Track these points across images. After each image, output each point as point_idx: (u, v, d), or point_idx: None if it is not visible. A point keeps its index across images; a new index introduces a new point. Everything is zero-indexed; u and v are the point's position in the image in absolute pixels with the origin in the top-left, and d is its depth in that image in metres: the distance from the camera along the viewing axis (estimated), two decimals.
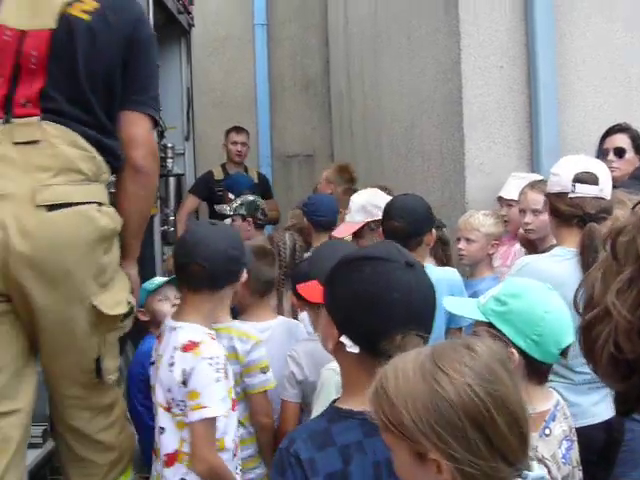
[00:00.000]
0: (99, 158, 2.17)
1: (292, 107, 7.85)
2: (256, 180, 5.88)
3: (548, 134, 3.88)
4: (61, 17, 2.14)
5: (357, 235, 3.28)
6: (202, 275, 2.14)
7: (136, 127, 2.27)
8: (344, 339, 1.41)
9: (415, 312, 1.39)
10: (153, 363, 2.28)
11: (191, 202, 5.49)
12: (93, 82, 2.18)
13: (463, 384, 1.04)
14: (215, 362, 2.09)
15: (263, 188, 5.81)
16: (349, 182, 5.08)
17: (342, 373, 1.50)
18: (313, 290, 1.95)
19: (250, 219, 4.34)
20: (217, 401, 2.06)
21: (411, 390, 1.06)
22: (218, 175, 5.69)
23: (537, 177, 3.39)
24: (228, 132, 5.94)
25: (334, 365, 2.11)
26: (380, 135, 5.68)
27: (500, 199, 3.64)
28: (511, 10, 3.92)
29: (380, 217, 2.96)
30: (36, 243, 1.99)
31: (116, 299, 2.19)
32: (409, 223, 2.77)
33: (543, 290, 1.78)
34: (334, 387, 1.96)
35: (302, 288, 2.14)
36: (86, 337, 2.14)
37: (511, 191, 3.48)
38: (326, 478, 1.36)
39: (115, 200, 2.30)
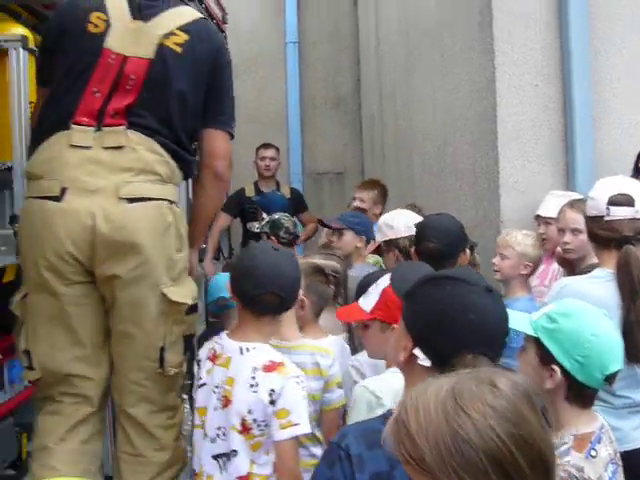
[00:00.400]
0: (173, 163, 2.52)
1: (323, 125, 7.89)
2: (289, 195, 5.94)
3: (583, 152, 3.84)
4: (158, 48, 2.51)
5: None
6: (274, 303, 2.20)
7: (219, 142, 2.70)
8: (417, 352, 1.47)
9: (488, 335, 1.46)
10: (201, 386, 2.26)
11: (223, 219, 5.51)
12: (180, 104, 2.55)
13: (485, 426, 1.02)
14: (300, 380, 2.16)
15: (297, 202, 5.87)
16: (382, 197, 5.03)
17: (407, 384, 1.55)
18: (353, 312, 2.14)
19: (273, 237, 4.45)
20: (305, 419, 2.13)
21: (433, 429, 1.04)
22: (250, 192, 5.74)
23: (576, 196, 3.35)
24: (257, 149, 6.01)
25: (367, 382, 2.15)
26: (412, 154, 5.67)
27: (538, 217, 3.61)
28: (546, 28, 3.90)
29: (389, 237, 3.12)
30: (117, 226, 2.37)
31: (183, 293, 2.51)
32: (444, 244, 2.80)
33: (595, 313, 1.79)
34: (365, 405, 2.00)
35: (342, 311, 2.25)
36: (154, 323, 2.45)
37: (550, 209, 3.45)
38: (372, 477, 1.43)
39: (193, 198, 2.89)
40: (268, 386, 2.12)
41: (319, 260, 2.80)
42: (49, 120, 2.45)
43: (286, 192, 5.90)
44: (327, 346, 2.55)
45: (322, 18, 7.98)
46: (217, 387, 2.18)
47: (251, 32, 7.89)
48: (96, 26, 2.47)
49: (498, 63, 3.89)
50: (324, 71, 7.93)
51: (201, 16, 2.76)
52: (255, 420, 2.12)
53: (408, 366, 1.52)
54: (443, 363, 1.39)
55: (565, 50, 3.85)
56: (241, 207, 5.59)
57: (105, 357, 2.51)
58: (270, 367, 2.15)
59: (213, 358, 2.24)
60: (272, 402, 2.11)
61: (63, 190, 2.35)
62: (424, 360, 1.45)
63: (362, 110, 7.89)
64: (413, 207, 4.85)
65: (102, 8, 2.50)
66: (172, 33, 2.52)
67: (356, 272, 3.20)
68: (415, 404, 1.09)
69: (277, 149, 6.10)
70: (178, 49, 2.53)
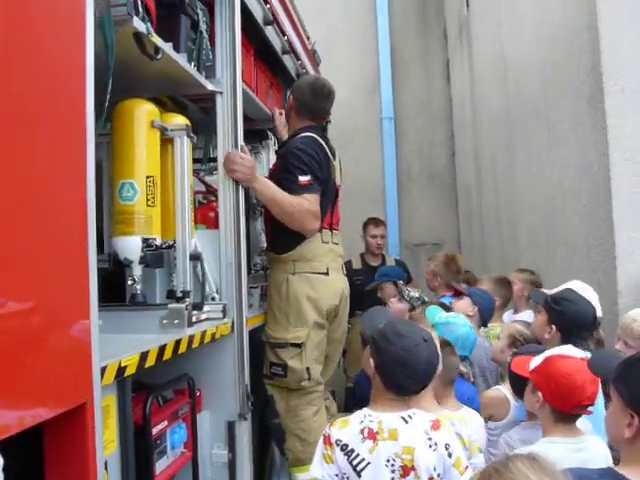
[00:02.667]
0: None
1: (419, 197, 8.08)
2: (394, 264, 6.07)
3: None
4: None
5: None
6: (417, 389, 2.40)
7: None
8: None
9: None
10: (364, 468, 2.31)
11: None
12: None
13: None
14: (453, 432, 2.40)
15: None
16: (456, 273, 5.04)
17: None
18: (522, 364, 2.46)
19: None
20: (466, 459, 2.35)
21: None
22: (356, 265, 5.90)
23: None
24: (366, 225, 6.14)
25: (519, 452, 2.27)
26: (516, 225, 5.75)
27: None
28: None
29: None
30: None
31: None
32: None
33: None
34: None
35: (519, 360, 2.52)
36: None
37: None
38: None
39: None
40: (443, 441, 2.30)
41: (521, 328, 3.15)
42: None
43: (391, 263, 6.04)
44: (464, 416, 2.71)
45: (416, 94, 8.27)
46: (389, 460, 2.28)
47: (347, 106, 8.23)
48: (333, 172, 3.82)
49: (611, 137, 3.99)
50: (419, 144, 8.18)
51: None
52: (439, 475, 2.27)
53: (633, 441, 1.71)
54: None
55: None
56: (349, 280, 5.74)
57: None
58: (436, 425, 2.33)
59: (372, 436, 2.32)
60: (449, 455, 2.29)
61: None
62: None
63: (457, 182, 8.05)
64: (531, 273, 4.90)
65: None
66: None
67: None
68: None
69: (385, 225, 6.27)
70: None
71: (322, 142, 3.75)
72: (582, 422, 2.49)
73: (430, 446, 2.27)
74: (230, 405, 3.00)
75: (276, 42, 4.10)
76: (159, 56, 2.44)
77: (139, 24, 2.29)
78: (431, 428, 2.31)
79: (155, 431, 2.38)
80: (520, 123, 5.64)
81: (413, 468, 2.24)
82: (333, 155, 3.85)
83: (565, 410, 2.38)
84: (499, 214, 6.31)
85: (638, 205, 3.95)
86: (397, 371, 2.33)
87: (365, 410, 2.40)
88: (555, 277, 4.85)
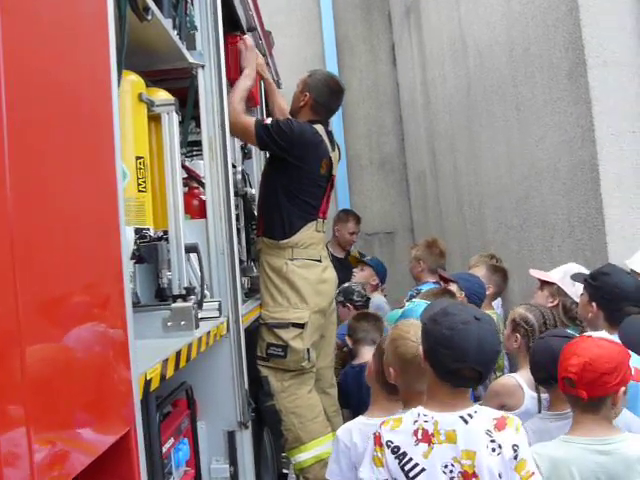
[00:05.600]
0: None
1: (370, 185, 7.90)
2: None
3: None
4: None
5: None
6: (471, 376, 2.10)
7: None
8: None
9: None
10: (419, 474, 2.08)
11: None
12: None
13: None
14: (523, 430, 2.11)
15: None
16: (439, 257, 4.99)
17: None
18: None
19: (349, 304, 4.71)
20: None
21: None
22: None
23: None
24: (346, 220, 6.03)
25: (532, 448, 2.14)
26: (481, 208, 5.62)
27: (632, 272, 3.50)
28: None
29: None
30: None
31: None
32: None
33: None
34: None
35: None
36: None
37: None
38: None
39: None
40: (510, 442, 2.04)
41: (524, 311, 2.84)
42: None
43: (357, 256, 5.90)
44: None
45: (362, 79, 8.07)
46: (446, 466, 2.03)
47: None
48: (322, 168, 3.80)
49: (596, 112, 3.87)
50: (367, 130, 7.99)
51: None
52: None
53: None
54: None
55: None
56: None
57: None
58: (501, 423, 2.06)
59: (427, 439, 2.06)
60: (515, 457, 2.03)
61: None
62: None
63: (408, 168, 7.90)
64: (490, 257, 4.80)
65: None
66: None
67: None
68: None
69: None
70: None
71: (322, 133, 3.82)
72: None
73: (494, 449, 2.02)
74: (229, 413, 2.71)
75: (242, 15, 3.78)
76: (149, 17, 2.11)
77: None
78: (495, 428, 2.04)
79: (163, 451, 2.06)
80: (483, 103, 5.50)
81: (475, 474, 1.99)
82: (332, 146, 3.92)
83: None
84: (461, 198, 6.17)
85: (626, 180, 3.85)
86: (443, 354, 2.05)
87: (419, 408, 2.12)
88: (531, 258, 4.74)
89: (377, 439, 2.10)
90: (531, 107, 4.60)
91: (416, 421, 2.09)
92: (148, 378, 1.56)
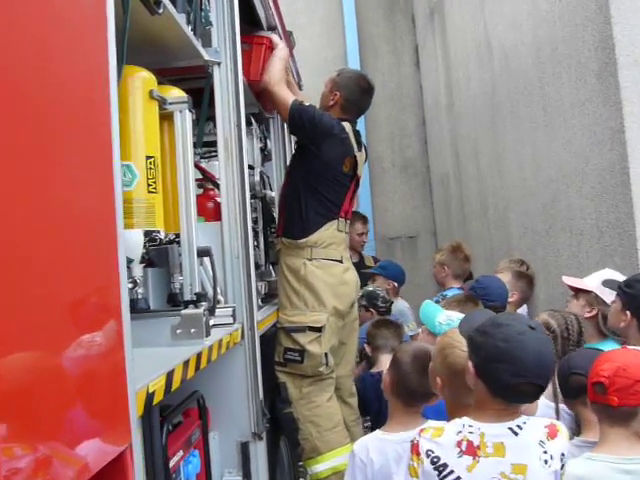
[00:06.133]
0: None
1: (392, 188, 7.78)
2: (373, 264, 5.81)
3: None
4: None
5: None
6: (530, 391, 1.95)
7: None
8: None
9: None
10: None
11: None
12: None
13: None
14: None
15: None
16: (463, 261, 4.87)
17: None
18: None
19: (372, 309, 4.66)
20: None
21: None
22: None
23: None
24: (353, 221, 5.87)
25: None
26: (506, 213, 5.49)
27: None
28: None
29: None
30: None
31: None
32: None
33: None
34: None
35: None
36: None
37: None
38: None
39: None
40: (559, 452, 1.91)
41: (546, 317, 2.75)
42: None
43: (370, 262, 5.77)
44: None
45: (385, 81, 7.96)
46: None
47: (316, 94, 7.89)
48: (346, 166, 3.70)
49: (626, 112, 3.72)
50: (390, 132, 7.87)
51: None
52: None
53: None
54: None
55: None
56: None
57: None
58: (553, 431, 1.92)
59: (472, 451, 1.92)
60: (562, 466, 1.90)
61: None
62: None
63: (431, 171, 7.77)
64: (519, 263, 4.66)
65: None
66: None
67: None
68: None
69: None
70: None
71: (349, 131, 3.77)
72: None
73: (546, 461, 1.88)
74: (243, 424, 2.61)
75: (261, 14, 3.70)
76: (161, 10, 2.02)
77: None
78: (547, 437, 1.90)
79: (171, 464, 1.96)
80: (507, 105, 5.37)
81: None
82: (359, 146, 3.85)
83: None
84: (485, 202, 6.03)
85: None
86: (500, 368, 1.88)
87: (465, 419, 1.98)
88: (557, 264, 4.60)
89: (415, 447, 1.96)
90: (558, 108, 4.46)
91: (460, 431, 1.95)
92: (151, 391, 1.47)
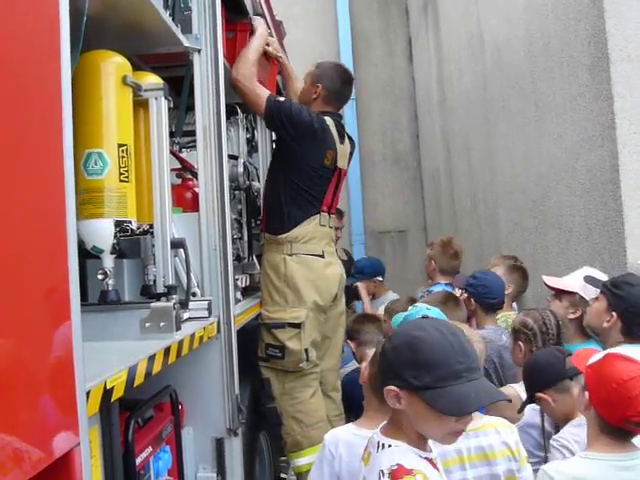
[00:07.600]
0: None
1: (383, 182, 7.71)
2: (346, 258, 5.72)
3: None
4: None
5: None
6: None
7: None
8: None
9: None
10: None
11: None
12: None
13: None
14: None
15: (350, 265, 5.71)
16: (452, 257, 4.81)
17: None
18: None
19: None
20: None
21: None
22: None
23: None
24: None
25: (548, 466, 1.99)
26: (496, 208, 5.43)
27: None
28: None
29: None
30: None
31: None
32: None
33: None
34: None
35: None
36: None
37: None
38: None
39: None
40: None
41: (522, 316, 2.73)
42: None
43: (342, 255, 5.68)
44: (505, 421, 2.26)
45: (378, 74, 7.89)
46: None
47: None
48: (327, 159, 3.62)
49: (617, 109, 3.66)
50: (382, 125, 7.80)
51: None
52: None
53: None
54: None
55: None
56: None
57: None
58: (397, 474, 1.60)
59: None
60: None
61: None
62: None
63: (422, 165, 7.71)
64: (512, 259, 4.61)
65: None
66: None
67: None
68: None
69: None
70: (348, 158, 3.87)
71: (330, 124, 3.67)
72: None
73: None
74: (218, 419, 2.55)
75: (247, 1, 3.61)
76: None
77: None
78: (389, 474, 1.59)
79: (139, 461, 1.90)
80: (499, 100, 5.31)
81: None
82: (342, 139, 3.76)
83: (611, 421, 1.99)
84: (475, 197, 5.98)
85: None
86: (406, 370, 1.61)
87: None
88: (546, 261, 4.55)
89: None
90: (550, 103, 4.40)
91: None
92: (109, 387, 1.40)
